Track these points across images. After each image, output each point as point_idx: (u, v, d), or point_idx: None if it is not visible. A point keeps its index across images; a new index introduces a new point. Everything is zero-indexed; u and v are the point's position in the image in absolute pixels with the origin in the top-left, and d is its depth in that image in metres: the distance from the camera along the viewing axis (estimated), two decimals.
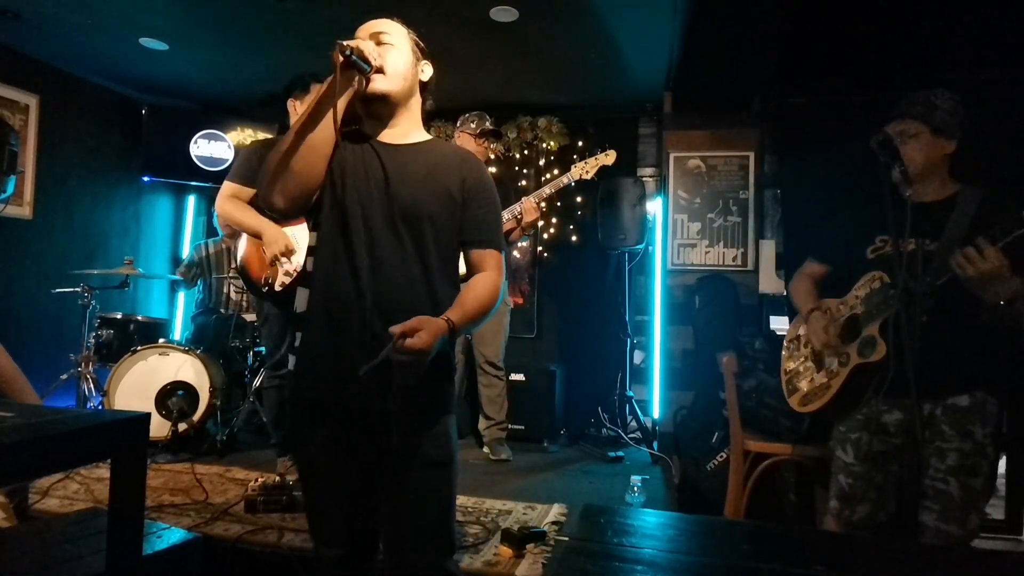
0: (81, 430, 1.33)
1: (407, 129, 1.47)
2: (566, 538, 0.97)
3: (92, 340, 3.72)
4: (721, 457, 2.87)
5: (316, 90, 1.36)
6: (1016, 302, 1.63)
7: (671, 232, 4.10)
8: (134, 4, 3.52)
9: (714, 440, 2.99)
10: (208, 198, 5.54)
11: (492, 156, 4.24)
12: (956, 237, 1.72)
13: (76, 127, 4.71)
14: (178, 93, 5.02)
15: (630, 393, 4.39)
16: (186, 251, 5.16)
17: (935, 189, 1.86)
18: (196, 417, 3.45)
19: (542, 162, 4.82)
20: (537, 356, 4.68)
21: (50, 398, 3.65)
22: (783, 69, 3.48)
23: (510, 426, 3.77)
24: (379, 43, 1.41)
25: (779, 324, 3.45)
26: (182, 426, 3.37)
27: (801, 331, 2.16)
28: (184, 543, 1.90)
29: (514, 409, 3.77)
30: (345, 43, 1.29)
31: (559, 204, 4.80)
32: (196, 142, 4.95)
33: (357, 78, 1.34)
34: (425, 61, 1.50)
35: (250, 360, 3.87)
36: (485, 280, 1.43)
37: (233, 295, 4.26)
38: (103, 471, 2.81)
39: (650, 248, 4.50)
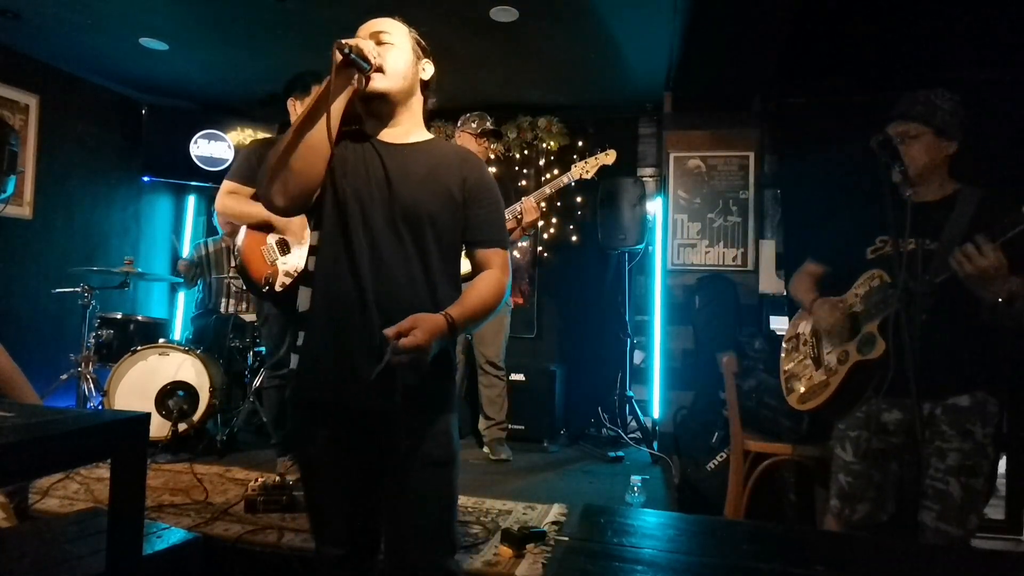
0: (81, 430, 1.33)
1: (408, 128, 1.47)
2: (566, 538, 0.97)
3: (92, 340, 3.73)
4: (721, 457, 2.87)
5: (316, 90, 1.36)
6: (1015, 300, 1.63)
7: (671, 232, 4.10)
8: (134, 4, 3.52)
9: (714, 440, 2.99)
10: (208, 198, 5.54)
11: (492, 156, 4.24)
12: (956, 236, 1.72)
13: (76, 127, 4.71)
14: (178, 93, 5.01)
15: (630, 393, 4.39)
16: (186, 251, 5.16)
17: (935, 189, 1.86)
18: (196, 417, 3.45)
19: (542, 162, 4.82)
20: (537, 356, 4.68)
21: (50, 398, 3.65)
22: (783, 69, 3.48)
23: (510, 426, 3.77)
24: (379, 42, 1.40)
25: (779, 324, 3.45)
26: (182, 426, 3.37)
27: (800, 329, 2.16)
28: (184, 543, 1.90)
29: (514, 409, 3.77)
30: (344, 42, 1.28)
31: (559, 204, 4.80)
32: (196, 142, 4.95)
33: (357, 77, 1.34)
34: (426, 60, 1.50)
35: (250, 360, 3.87)
36: (489, 278, 1.44)
37: (233, 295, 4.26)
38: (103, 471, 2.81)
39: (650, 248, 4.50)
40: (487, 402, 3.63)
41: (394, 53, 1.41)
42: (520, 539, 2.16)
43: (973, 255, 1.60)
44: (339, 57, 1.28)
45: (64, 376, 3.69)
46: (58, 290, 3.86)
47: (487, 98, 4.41)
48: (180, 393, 3.43)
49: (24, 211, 4.34)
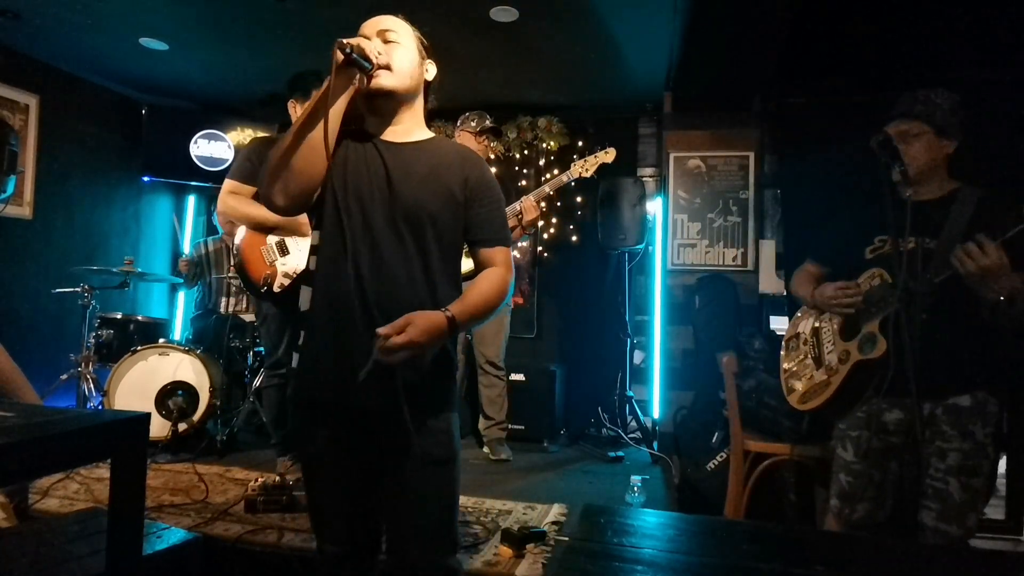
0: (81, 430, 1.33)
1: (409, 127, 1.47)
2: (566, 538, 0.97)
3: (92, 340, 3.73)
4: (721, 457, 2.87)
5: (316, 93, 1.36)
6: (1016, 299, 1.63)
7: (671, 232, 4.10)
8: (134, 4, 3.52)
9: (714, 440, 2.99)
10: (208, 198, 5.54)
11: (492, 156, 4.24)
12: (955, 235, 1.72)
13: (76, 127, 4.71)
14: (178, 93, 5.01)
15: (630, 393, 4.39)
16: (186, 251, 5.16)
17: (934, 188, 1.86)
18: (196, 417, 3.45)
19: (542, 162, 4.82)
20: (537, 356, 4.68)
21: (50, 398, 3.65)
22: (783, 69, 3.48)
23: (510, 426, 3.77)
24: (386, 40, 1.40)
25: (779, 324, 3.45)
26: (182, 426, 3.38)
27: (800, 328, 2.16)
28: (184, 543, 1.90)
29: (514, 409, 3.77)
30: (345, 41, 1.28)
31: (559, 204, 4.80)
32: (196, 142, 4.95)
33: (358, 76, 1.33)
34: (429, 60, 1.50)
35: (250, 360, 3.87)
36: (492, 275, 1.44)
37: (233, 295, 4.26)
38: (103, 471, 2.81)
39: (650, 248, 4.50)
40: (487, 402, 3.63)
41: (401, 52, 1.41)
42: (520, 539, 2.16)
43: (975, 253, 1.60)
44: (340, 57, 1.27)
45: (64, 376, 3.69)
46: (58, 290, 3.86)
47: (487, 98, 4.41)
48: (180, 393, 3.43)
49: (24, 211, 4.34)
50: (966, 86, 1.99)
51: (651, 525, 1.08)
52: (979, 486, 1.72)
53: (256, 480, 2.53)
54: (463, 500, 2.66)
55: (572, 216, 4.82)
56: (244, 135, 5.02)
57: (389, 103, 1.42)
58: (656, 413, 4.19)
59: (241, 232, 2.78)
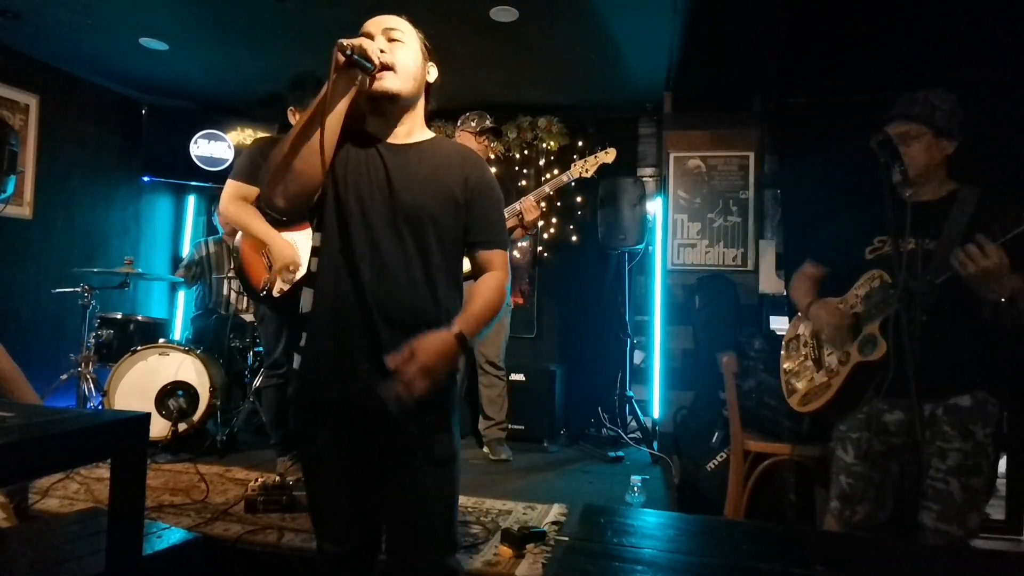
0: (81, 430, 1.33)
1: (410, 128, 1.47)
2: (566, 538, 0.97)
3: (92, 340, 3.72)
4: (721, 457, 2.87)
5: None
6: (1017, 300, 1.63)
7: (671, 232, 4.10)
8: (134, 4, 3.52)
9: (714, 440, 2.99)
10: (208, 198, 5.54)
11: (492, 156, 4.25)
12: (955, 236, 1.72)
13: (76, 127, 4.71)
14: (178, 93, 5.01)
15: (630, 393, 4.39)
16: (186, 251, 5.16)
17: (934, 188, 1.86)
18: (196, 417, 3.45)
19: (542, 162, 4.82)
20: (537, 356, 4.68)
21: (50, 398, 3.65)
22: (783, 69, 3.48)
23: (510, 426, 3.77)
24: (391, 39, 1.40)
25: (779, 324, 3.45)
26: (182, 426, 3.38)
27: (800, 330, 2.16)
28: (184, 543, 1.90)
29: (514, 409, 3.77)
30: (346, 43, 1.27)
31: (559, 204, 4.80)
32: (196, 142, 4.95)
33: (360, 77, 1.33)
34: (431, 63, 1.49)
35: (250, 360, 3.87)
36: (491, 280, 1.44)
37: (233, 295, 4.26)
38: (103, 471, 2.81)
39: (650, 248, 4.50)
40: (487, 402, 3.63)
41: (405, 52, 1.40)
42: (520, 539, 2.16)
43: (975, 255, 1.60)
44: (341, 59, 1.27)
45: (64, 376, 3.69)
46: (58, 290, 3.86)
47: (487, 98, 4.41)
48: (180, 393, 3.43)
49: (24, 211, 4.34)
50: (966, 86, 1.99)
51: (651, 525, 1.08)
52: (979, 486, 1.72)
53: (256, 480, 2.53)
54: (463, 500, 2.66)
55: (572, 216, 4.82)
56: (244, 135, 5.02)
57: (392, 105, 1.41)
58: (656, 413, 4.19)
59: (241, 234, 2.78)
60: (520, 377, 4.06)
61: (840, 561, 0.97)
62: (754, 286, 3.92)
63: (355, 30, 1.42)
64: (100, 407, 3.53)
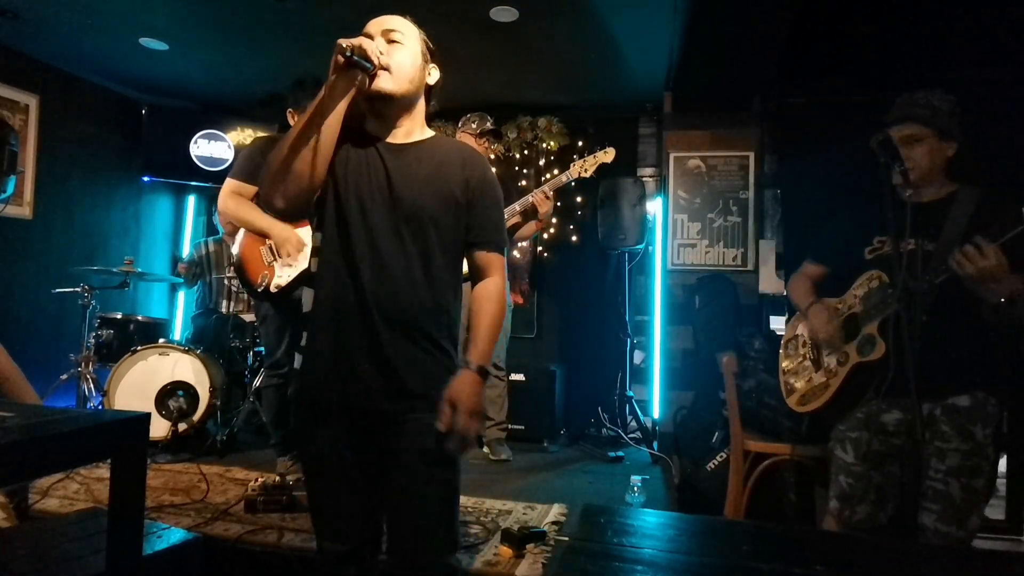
0: (81, 430, 1.33)
1: (409, 129, 1.46)
2: (566, 538, 0.97)
3: (92, 340, 3.72)
4: (721, 457, 2.87)
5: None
6: (1016, 300, 1.63)
7: (671, 232, 4.10)
8: (134, 4, 3.52)
9: (714, 440, 2.99)
10: (208, 198, 5.54)
11: (492, 156, 4.25)
12: (955, 236, 1.72)
13: (76, 127, 4.71)
14: (178, 93, 5.01)
15: (630, 393, 4.39)
16: (186, 251, 5.16)
17: (934, 189, 1.86)
18: (196, 417, 3.45)
19: (542, 162, 4.82)
20: (537, 356, 4.68)
21: (50, 398, 3.65)
22: (783, 69, 3.48)
23: (510, 426, 3.76)
24: (389, 40, 1.39)
25: (779, 324, 3.44)
26: (182, 426, 3.37)
27: (799, 330, 2.16)
28: (184, 543, 1.90)
29: (514, 409, 3.77)
30: (345, 43, 1.27)
31: (559, 204, 4.79)
32: (196, 142, 4.95)
33: (360, 78, 1.32)
34: (433, 64, 1.48)
35: (250, 360, 3.87)
36: (490, 291, 1.45)
37: (233, 295, 4.26)
38: (103, 471, 2.81)
39: (650, 248, 4.50)
40: (487, 402, 3.62)
41: (403, 53, 1.40)
42: (520, 539, 2.16)
43: (974, 256, 1.60)
44: (341, 59, 1.27)
45: (64, 376, 3.69)
46: (58, 290, 3.86)
47: (487, 98, 4.41)
48: (180, 393, 3.43)
49: (24, 211, 4.34)
50: (966, 86, 1.99)
51: (651, 525, 1.08)
52: (979, 487, 1.72)
53: (256, 480, 2.53)
54: (463, 500, 2.66)
55: (572, 216, 4.82)
56: (244, 135, 5.02)
57: (388, 105, 1.41)
58: (656, 413, 4.19)
59: (242, 232, 2.79)
60: (520, 377, 4.06)
61: (840, 561, 0.97)
62: (754, 286, 3.92)
63: (355, 30, 1.41)
64: (100, 407, 3.53)
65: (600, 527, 1.02)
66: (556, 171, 4.41)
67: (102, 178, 4.94)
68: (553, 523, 2.50)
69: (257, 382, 3.65)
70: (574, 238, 4.82)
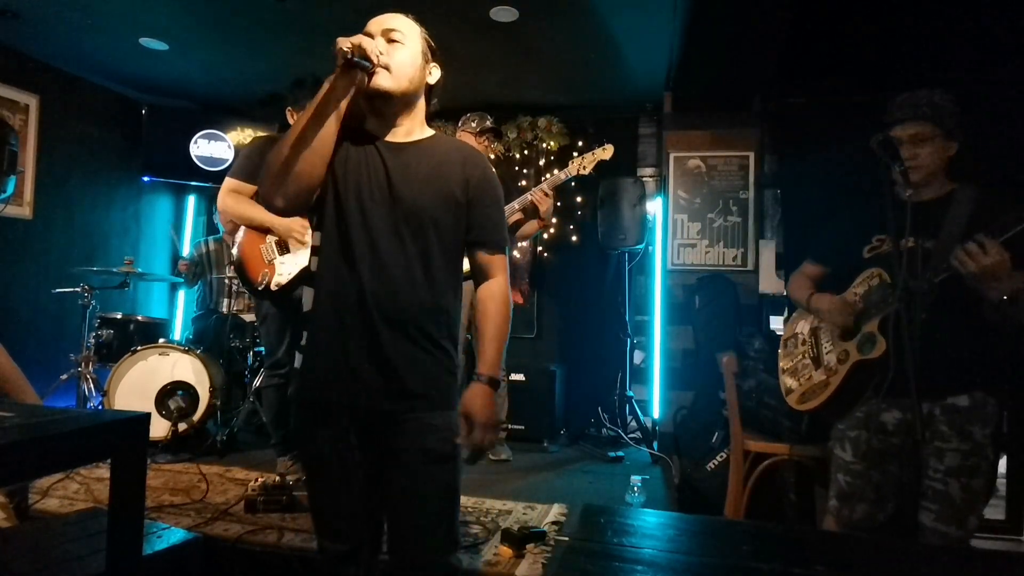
0: (81, 430, 1.33)
1: (409, 128, 1.46)
2: (566, 538, 0.98)
3: (92, 340, 3.73)
4: (721, 457, 2.87)
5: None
6: (1018, 298, 1.62)
7: (671, 232, 4.10)
8: (134, 4, 3.52)
9: (714, 440, 2.99)
10: (208, 198, 5.54)
11: (492, 156, 4.25)
12: (954, 234, 1.72)
13: (76, 127, 4.71)
14: (178, 93, 5.02)
15: (630, 393, 4.39)
16: (186, 251, 5.16)
17: (934, 188, 1.86)
18: (196, 417, 3.45)
19: (542, 162, 4.82)
20: (537, 356, 4.68)
21: (50, 398, 3.65)
22: (783, 69, 3.48)
23: (510, 426, 3.77)
24: (389, 40, 1.39)
25: (779, 324, 3.45)
26: (182, 426, 3.38)
27: (798, 328, 2.16)
28: (184, 543, 1.90)
29: (514, 409, 3.77)
30: (345, 42, 1.27)
31: (559, 204, 4.79)
32: (196, 142, 4.95)
33: (359, 76, 1.32)
34: (434, 64, 1.48)
35: (250, 360, 3.87)
36: (495, 294, 1.46)
37: (233, 294, 4.26)
38: (103, 471, 2.81)
39: (650, 248, 4.50)
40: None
41: (402, 53, 1.39)
42: (520, 539, 2.16)
43: (976, 253, 1.59)
44: (341, 59, 1.27)
45: (64, 376, 3.69)
46: (58, 290, 3.86)
47: (487, 98, 4.41)
48: (180, 393, 3.43)
49: (24, 211, 4.34)
50: (966, 86, 1.98)
51: (651, 525, 1.08)
52: (978, 487, 1.72)
53: (256, 480, 2.53)
54: (463, 500, 2.65)
55: (572, 216, 4.82)
56: (244, 135, 5.02)
57: (387, 104, 1.41)
58: (656, 413, 4.19)
59: (242, 230, 2.79)
60: (520, 377, 4.06)
61: (840, 561, 0.97)
62: (754, 286, 3.92)
63: (355, 30, 1.41)
64: (100, 407, 3.53)
65: (600, 527, 1.02)
66: (556, 171, 4.41)
67: (102, 178, 4.95)
68: (553, 523, 2.50)
69: (257, 382, 3.65)
70: (574, 238, 4.82)
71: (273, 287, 2.69)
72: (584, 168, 3.30)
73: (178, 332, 5.39)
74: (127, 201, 5.18)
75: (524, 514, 2.59)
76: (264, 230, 2.72)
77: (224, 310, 4.24)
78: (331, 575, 1.43)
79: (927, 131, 1.80)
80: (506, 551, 2.15)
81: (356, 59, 1.28)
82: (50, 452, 1.25)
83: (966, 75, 2.85)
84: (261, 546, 2.19)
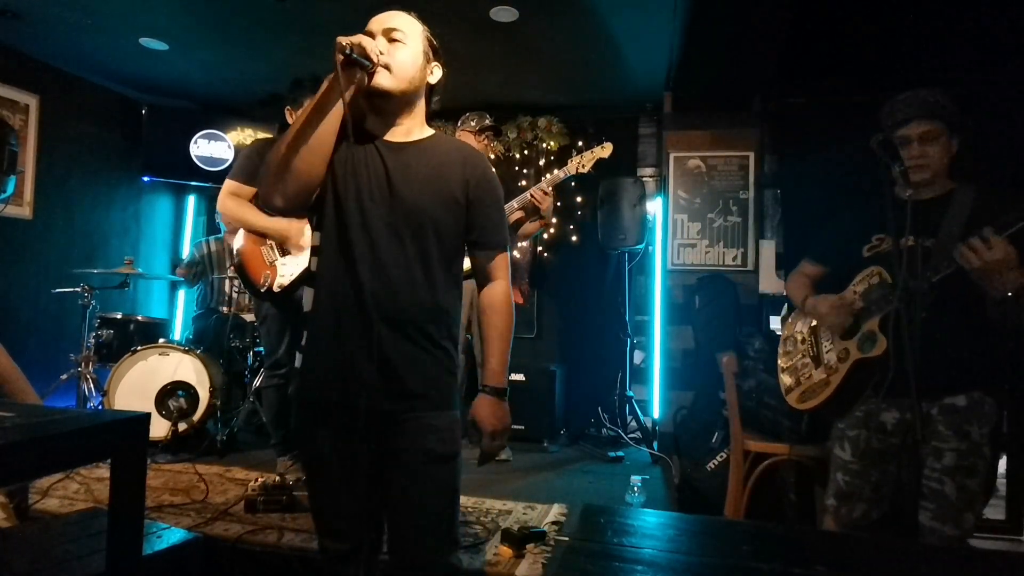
0: (81, 430, 1.33)
1: (409, 127, 1.46)
2: (566, 538, 0.97)
3: (92, 340, 3.72)
4: (721, 457, 2.87)
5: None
6: (1022, 294, 1.62)
7: (671, 232, 4.10)
8: (134, 4, 3.52)
9: (714, 440, 2.99)
10: (208, 198, 5.54)
11: (492, 155, 4.25)
12: (954, 233, 1.72)
13: (76, 127, 4.71)
14: (178, 93, 5.02)
15: (630, 393, 4.39)
16: (186, 251, 5.16)
17: (934, 187, 1.86)
18: (196, 417, 3.45)
19: (542, 162, 4.82)
20: (537, 356, 4.68)
21: (50, 398, 3.65)
22: (783, 69, 3.48)
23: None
24: (390, 39, 1.38)
25: (779, 324, 3.44)
26: (182, 426, 3.37)
27: (797, 327, 2.16)
28: (184, 543, 1.90)
29: (514, 409, 3.68)
30: (345, 41, 1.27)
31: (559, 204, 4.80)
32: (196, 142, 4.95)
33: (359, 75, 1.32)
34: (436, 63, 1.47)
35: (250, 360, 3.87)
36: (498, 299, 1.47)
37: (234, 294, 4.26)
38: (103, 471, 2.81)
39: (650, 248, 4.50)
40: None
41: (403, 52, 1.39)
42: (520, 539, 2.16)
43: (980, 248, 1.58)
44: (340, 57, 1.26)
45: (64, 376, 3.69)
46: (58, 290, 3.86)
47: (487, 98, 4.41)
48: (180, 393, 3.43)
49: (24, 211, 4.34)
50: (966, 86, 1.98)
51: (651, 525, 1.08)
52: (975, 487, 1.72)
53: (256, 480, 2.53)
54: (463, 500, 2.66)
55: (572, 216, 4.82)
56: (244, 135, 5.02)
57: (387, 103, 1.41)
58: (656, 413, 4.19)
59: (242, 233, 2.79)
60: (520, 377, 4.06)
61: (840, 561, 0.97)
62: (754, 286, 3.92)
63: (355, 30, 1.40)
64: (100, 407, 3.53)
65: (600, 527, 1.02)
66: (556, 170, 4.41)
67: (102, 178, 4.94)
68: (553, 523, 2.50)
69: (257, 382, 3.65)
70: (574, 238, 4.81)
71: (276, 288, 2.69)
72: (583, 166, 3.30)
73: (178, 332, 5.39)
74: (127, 201, 5.18)
75: (524, 514, 2.59)
76: (259, 234, 2.72)
77: (226, 310, 4.24)
78: (331, 575, 1.43)
79: (937, 129, 1.80)
80: (506, 551, 2.15)
81: (355, 57, 1.27)
82: (50, 452, 1.25)
83: (966, 75, 2.85)
84: (261, 546, 2.19)
